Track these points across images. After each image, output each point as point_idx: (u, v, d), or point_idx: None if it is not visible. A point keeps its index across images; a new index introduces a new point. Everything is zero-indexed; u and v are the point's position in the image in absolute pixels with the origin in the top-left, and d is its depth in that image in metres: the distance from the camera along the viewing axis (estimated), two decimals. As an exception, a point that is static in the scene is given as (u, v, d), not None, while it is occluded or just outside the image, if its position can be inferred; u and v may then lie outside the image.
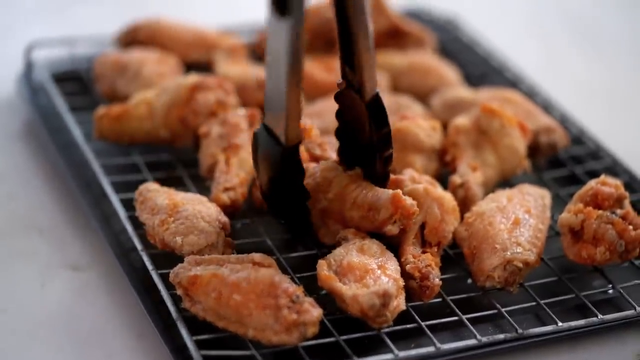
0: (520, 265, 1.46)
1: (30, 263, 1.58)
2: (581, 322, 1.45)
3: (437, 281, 1.44)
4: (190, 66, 1.92)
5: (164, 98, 1.72)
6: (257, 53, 1.99)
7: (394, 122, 1.54)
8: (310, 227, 1.50)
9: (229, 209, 1.55)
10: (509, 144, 1.66)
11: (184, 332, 1.37)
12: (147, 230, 1.50)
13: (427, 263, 1.45)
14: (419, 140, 1.65)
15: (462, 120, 1.68)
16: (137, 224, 1.54)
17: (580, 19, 2.47)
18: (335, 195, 1.48)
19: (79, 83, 1.93)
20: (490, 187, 1.64)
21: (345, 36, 1.40)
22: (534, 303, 1.47)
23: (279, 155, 1.41)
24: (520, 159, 1.67)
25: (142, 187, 1.56)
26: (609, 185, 1.52)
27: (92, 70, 1.91)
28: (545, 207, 1.57)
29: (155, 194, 1.53)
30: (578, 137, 1.83)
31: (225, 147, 1.63)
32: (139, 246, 1.51)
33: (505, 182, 1.68)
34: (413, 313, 1.42)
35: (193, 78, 1.73)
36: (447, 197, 1.53)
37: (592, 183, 1.54)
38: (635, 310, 1.47)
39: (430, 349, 1.38)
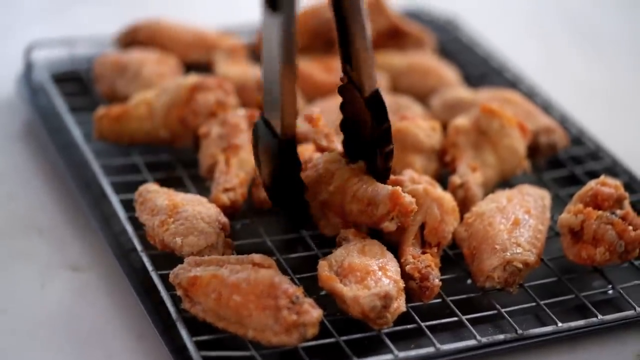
0: (520, 265, 1.46)
1: (30, 263, 1.58)
2: (581, 322, 1.45)
3: (437, 282, 1.44)
4: (190, 66, 1.92)
5: (164, 98, 1.72)
6: (256, 53, 1.98)
7: (393, 122, 1.54)
8: (309, 219, 1.50)
9: (229, 210, 1.55)
10: (509, 145, 1.66)
11: (183, 332, 1.37)
12: (147, 231, 1.50)
13: (427, 264, 1.45)
14: (418, 140, 1.65)
15: (461, 121, 1.68)
16: (137, 225, 1.54)
17: (580, 19, 2.47)
18: (336, 188, 1.48)
19: (79, 83, 1.93)
20: (490, 188, 1.64)
21: (344, 36, 1.41)
22: (533, 303, 1.47)
23: (276, 148, 1.42)
24: (520, 160, 1.67)
25: (141, 188, 1.56)
26: (609, 185, 1.52)
27: (92, 71, 1.91)
28: (545, 207, 1.57)
29: (155, 195, 1.53)
30: (578, 138, 1.83)
31: (225, 148, 1.63)
32: (138, 247, 1.51)
33: (505, 182, 1.68)
34: (413, 314, 1.42)
35: (193, 78, 1.73)
36: (447, 198, 1.53)
37: (591, 183, 1.54)
38: (635, 310, 1.47)
39: (430, 349, 1.38)
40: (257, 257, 1.40)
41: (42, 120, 1.82)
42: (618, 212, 1.49)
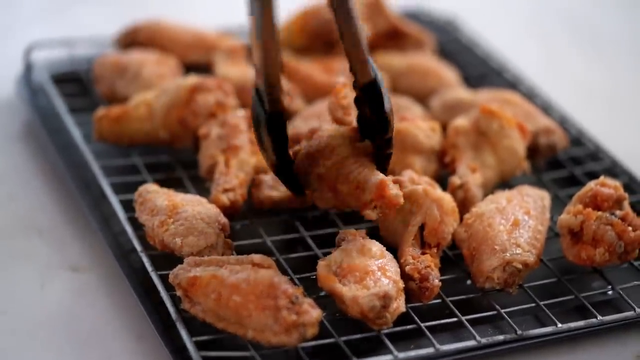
0: (520, 266, 1.46)
1: (30, 264, 1.58)
2: (581, 323, 1.45)
3: (437, 282, 1.44)
4: (189, 67, 1.92)
5: (164, 99, 1.72)
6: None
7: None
8: (302, 192, 1.50)
9: (229, 210, 1.55)
10: (509, 145, 1.66)
11: (183, 333, 1.37)
12: (146, 231, 1.51)
13: (427, 264, 1.45)
14: (418, 141, 1.65)
15: (461, 122, 1.68)
16: (137, 225, 1.54)
17: (580, 19, 2.47)
18: (333, 164, 1.47)
19: (79, 84, 1.93)
20: (490, 189, 1.64)
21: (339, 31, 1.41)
22: (533, 304, 1.47)
23: (264, 121, 1.42)
24: (520, 160, 1.67)
25: (141, 189, 1.56)
26: (609, 186, 1.52)
27: (91, 72, 1.91)
28: (545, 208, 1.57)
29: (155, 195, 1.53)
30: (577, 138, 1.83)
31: (225, 149, 1.63)
32: (138, 247, 1.51)
33: (505, 183, 1.68)
34: (412, 314, 1.42)
35: (192, 79, 1.73)
36: (447, 198, 1.53)
37: (591, 184, 1.54)
38: (635, 311, 1.47)
39: (430, 350, 1.38)
40: (256, 257, 1.40)
41: (41, 121, 1.82)
42: (618, 212, 1.49)
